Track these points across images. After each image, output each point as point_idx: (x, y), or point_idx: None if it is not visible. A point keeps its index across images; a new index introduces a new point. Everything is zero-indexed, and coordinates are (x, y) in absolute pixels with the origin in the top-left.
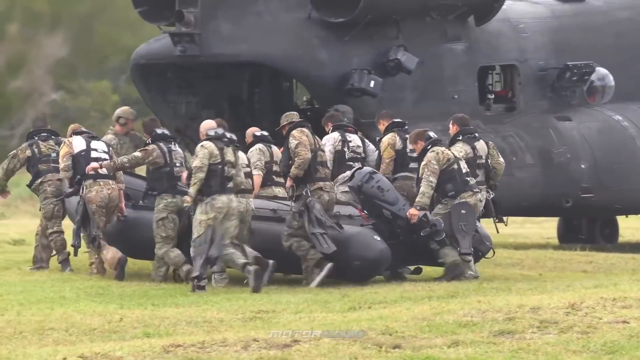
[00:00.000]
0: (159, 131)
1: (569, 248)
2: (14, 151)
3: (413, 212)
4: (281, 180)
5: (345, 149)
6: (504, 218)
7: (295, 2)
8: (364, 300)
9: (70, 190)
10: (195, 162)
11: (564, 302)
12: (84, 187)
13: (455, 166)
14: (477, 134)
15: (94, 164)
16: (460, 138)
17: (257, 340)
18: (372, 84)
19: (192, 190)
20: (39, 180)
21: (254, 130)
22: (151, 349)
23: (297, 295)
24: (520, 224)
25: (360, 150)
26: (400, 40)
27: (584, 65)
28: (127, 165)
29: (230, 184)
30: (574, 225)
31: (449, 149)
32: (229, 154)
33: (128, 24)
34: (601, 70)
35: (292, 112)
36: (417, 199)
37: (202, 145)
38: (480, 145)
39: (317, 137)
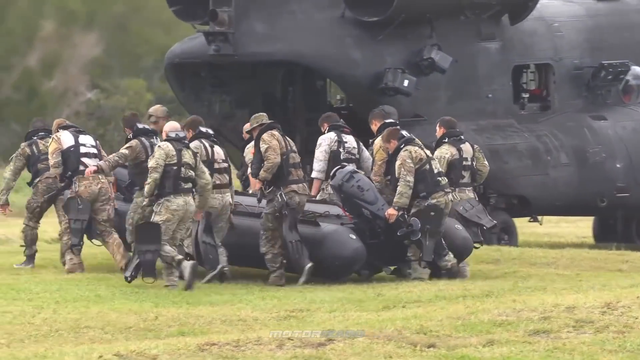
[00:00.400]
0: (140, 126)
1: (605, 247)
2: (16, 152)
3: (391, 212)
4: (318, 174)
5: (341, 150)
6: (539, 217)
7: (329, 1)
8: (398, 299)
9: (62, 185)
10: (151, 163)
11: (600, 301)
12: (75, 183)
13: (427, 166)
14: (462, 137)
15: (91, 168)
16: (446, 140)
17: (291, 339)
18: (405, 83)
19: (146, 189)
20: (38, 178)
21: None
22: (186, 348)
23: (331, 294)
24: (555, 223)
25: (355, 151)
26: (434, 39)
27: (619, 64)
28: (120, 162)
29: (188, 185)
30: (609, 225)
31: (423, 149)
32: (187, 156)
33: (162, 23)
34: (636, 69)
35: (261, 114)
36: (395, 199)
37: (159, 146)
38: (466, 147)
39: (288, 139)
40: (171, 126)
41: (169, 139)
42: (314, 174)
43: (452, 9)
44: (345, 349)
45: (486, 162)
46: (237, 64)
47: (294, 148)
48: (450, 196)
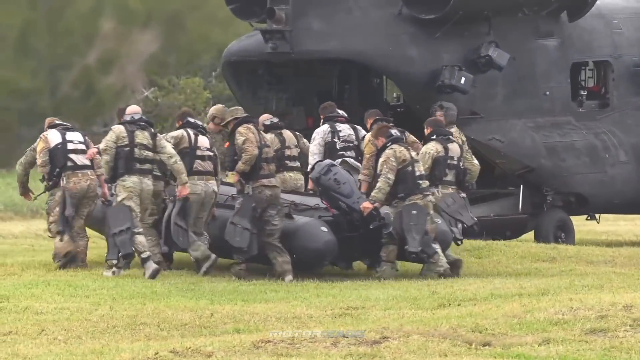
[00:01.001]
0: (190, 120)
1: None
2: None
3: (366, 205)
4: (295, 164)
5: (336, 140)
6: (596, 215)
7: None
8: (453, 298)
9: (49, 184)
10: (101, 145)
11: None
12: (63, 178)
13: (409, 168)
14: (450, 137)
15: (93, 150)
16: (434, 137)
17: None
18: (462, 80)
19: (101, 172)
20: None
21: (264, 119)
22: (241, 345)
23: (386, 292)
24: (613, 221)
25: (353, 138)
26: (491, 37)
27: None
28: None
29: (146, 166)
30: None
31: (409, 151)
32: (141, 137)
33: (219, 21)
34: None
35: (237, 108)
36: (372, 193)
37: (111, 129)
38: (453, 146)
39: (262, 134)
40: (131, 109)
41: (122, 122)
42: (309, 169)
43: (510, 6)
44: (399, 347)
45: (475, 162)
46: (294, 61)
47: (268, 143)
48: (429, 198)
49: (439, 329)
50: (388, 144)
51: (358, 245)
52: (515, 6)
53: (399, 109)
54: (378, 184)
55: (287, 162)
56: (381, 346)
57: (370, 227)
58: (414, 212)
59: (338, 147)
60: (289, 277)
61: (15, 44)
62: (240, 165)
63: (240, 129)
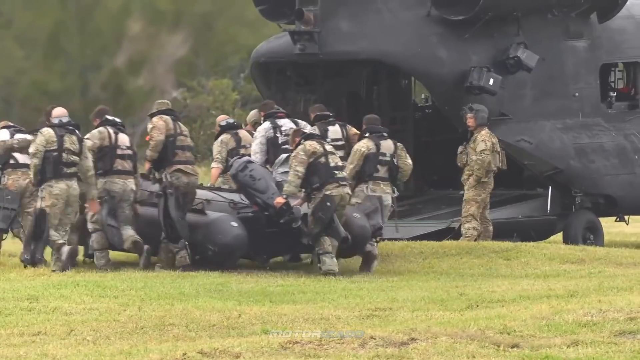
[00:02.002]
0: (229, 121)
1: None
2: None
3: (278, 200)
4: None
5: (278, 135)
6: (625, 217)
7: None
8: (481, 299)
9: None
10: (31, 149)
11: None
12: (5, 176)
13: (322, 160)
14: (385, 134)
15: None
16: (367, 135)
17: (374, 338)
18: (491, 81)
19: (31, 176)
20: None
21: (220, 120)
22: (269, 346)
23: (414, 293)
24: None
25: None
26: (520, 38)
27: None
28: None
29: (72, 170)
30: None
31: (322, 145)
32: (69, 142)
33: (248, 22)
34: None
35: (164, 101)
36: (284, 188)
37: (40, 132)
38: (387, 144)
39: (180, 124)
40: (57, 112)
41: (51, 125)
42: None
43: (539, 7)
44: (427, 348)
45: (409, 161)
46: (322, 62)
47: (185, 133)
48: (346, 189)
49: (467, 330)
50: (301, 142)
51: (278, 241)
52: (545, 7)
53: (427, 110)
54: (289, 177)
55: None
56: (409, 347)
57: (281, 221)
58: (328, 204)
59: (280, 141)
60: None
61: (46, 45)
62: (147, 152)
63: (153, 119)
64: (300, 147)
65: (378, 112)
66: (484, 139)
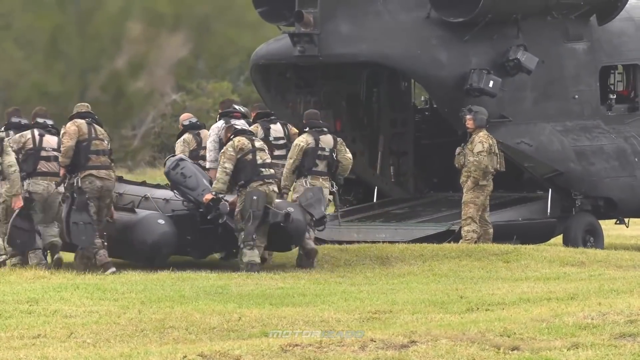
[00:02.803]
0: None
1: None
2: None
3: (207, 197)
4: (210, 164)
5: None
6: (625, 219)
7: (414, 1)
8: (482, 302)
9: None
10: None
11: None
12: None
13: (250, 157)
14: (325, 129)
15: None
16: (307, 130)
17: (374, 341)
18: (490, 84)
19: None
20: None
21: (183, 119)
22: (269, 348)
23: (414, 296)
24: None
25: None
26: (520, 40)
27: None
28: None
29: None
30: None
31: (252, 142)
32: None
33: (247, 24)
34: None
35: (83, 104)
36: (213, 185)
37: None
38: (326, 138)
39: (96, 128)
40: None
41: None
42: (207, 165)
43: (539, 10)
44: (428, 351)
45: (348, 155)
46: (322, 65)
47: (101, 137)
48: (271, 187)
49: (467, 333)
50: (231, 137)
51: (214, 237)
52: (545, 9)
53: (427, 112)
54: (217, 174)
55: (201, 161)
56: (409, 350)
57: (208, 217)
58: (255, 197)
59: None
60: (112, 269)
61: (46, 47)
62: (60, 158)
63: (68, 124)
64: (230, 143)
65: (378, 114)
66: (481, 140)
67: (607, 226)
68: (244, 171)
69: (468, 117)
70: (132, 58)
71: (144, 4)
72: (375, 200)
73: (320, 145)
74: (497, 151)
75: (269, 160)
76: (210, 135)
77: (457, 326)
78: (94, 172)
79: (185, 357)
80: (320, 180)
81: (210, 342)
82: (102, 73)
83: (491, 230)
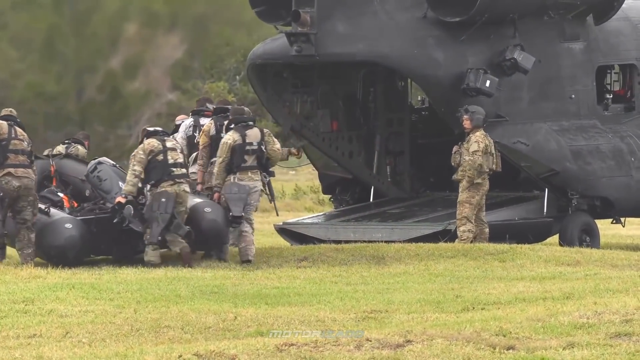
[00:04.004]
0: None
1: None
2: None
3: (118, 199)
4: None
5: (196, 134)
6: (622, 219)
7: (411, 1)
8: (477, 301)
9: None
10: None
11: None
12: None
13: (160, 157)
14: (250, 123)
15: None
16: (232, 126)
17: (369, 340)
18: (487, 83)
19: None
20: None
21: (179, 119)
22: (265, 348)
23: (409, 296)
24: (638, 225)
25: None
26: (517, 40)
27: None
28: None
29: None
30: None
31: (162, 143)
32: None
33: (244, 24)
34: None
35: (6, 109)
36: (123, 187)
37: None
38: (253, 132)
39: (17, 129)
40: None
41: None
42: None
43: (535, 9)
44: (423, 351)
45: (277, 146)
46: (319, 64)
47: (21, 137)
48: (182, 187)
49: (463, 332)
50: (144, 139)
51: (138, 238)
52: (541, 9)
53: (423, 112)
54: (127, 177)
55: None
56: (404, 350)
57: (114, 221)
58: (163, 199)
59: (196, 140)
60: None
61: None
62: None
63: None
64: (140, 146)
65: (375, 114)
66: (477, 140)
67: (604, 226)
68: (155, 171)
69: (465, 117)
70: (128, 58)
71: (140, 4)
72: (371, 199)
73: (247, 141)
74: (493, 151)
75: (180, 160)
76: (180, 132)
77: (452, 325)
78: (11, 170)
79: (180, 356)
80: (249, 174)
81: (205, 342)
82: (98, 73)
83: (487, 230)
